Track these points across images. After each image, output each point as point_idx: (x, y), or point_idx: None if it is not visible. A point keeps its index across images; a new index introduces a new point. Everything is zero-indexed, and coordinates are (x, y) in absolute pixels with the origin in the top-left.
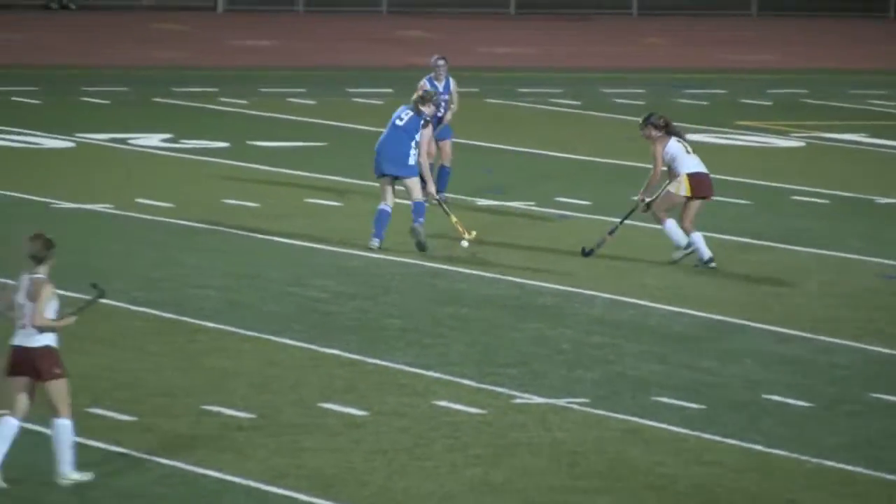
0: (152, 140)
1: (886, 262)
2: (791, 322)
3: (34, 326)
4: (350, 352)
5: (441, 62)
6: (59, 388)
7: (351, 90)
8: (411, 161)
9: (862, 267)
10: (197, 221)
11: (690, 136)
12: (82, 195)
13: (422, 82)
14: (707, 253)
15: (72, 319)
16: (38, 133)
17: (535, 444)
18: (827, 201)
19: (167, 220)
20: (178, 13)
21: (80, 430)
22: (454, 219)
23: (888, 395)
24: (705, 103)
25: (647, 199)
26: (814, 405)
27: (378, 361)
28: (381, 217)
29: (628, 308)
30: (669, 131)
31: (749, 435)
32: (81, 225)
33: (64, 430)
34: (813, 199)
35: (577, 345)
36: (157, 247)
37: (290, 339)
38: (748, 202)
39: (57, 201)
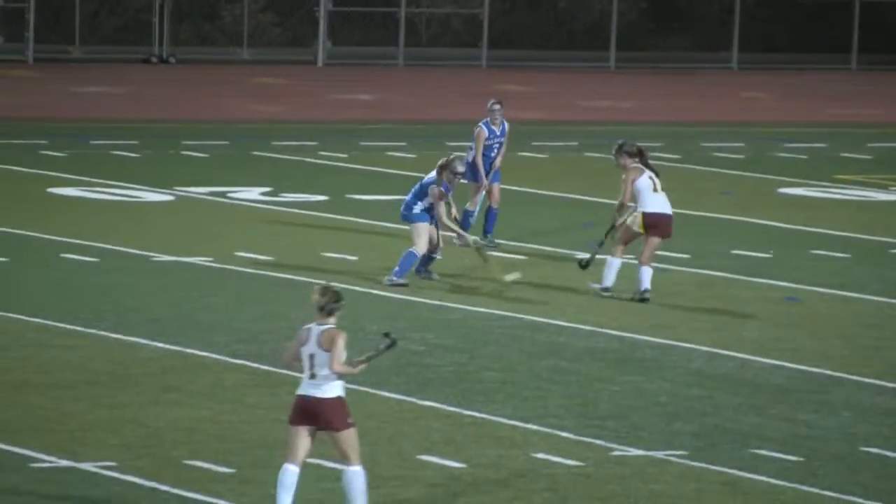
0: (252, 193)
1: None
2: (890, 374)
3: (334, 373)
4: (448, 404)
5: (497, 106)
6: (351, 437)
7: (450, 144)
8: (416, 209)
9: None
10: (296, 274)
11: (789, 190)
12: (182, 248)
13: (478, 127)
14: (645, 285)
15: (362, 367)
16: (138, 186)
17: (633, 497)
18: None
19: (267, 273)
20: (278, 67)
21: (179, 481)
22: (489, 264)
23: None
24: (805, 157)
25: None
26: None
27: (476, 414)
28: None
29: (726, 361)
30: (643, 161)
31: (848, 488)
32: (181, 278)
33: (358, 477)
34: None
35: (675, 397)
36: (256, 300)
37: (389, 391)
38: (847, 255)
39: (156, 254)
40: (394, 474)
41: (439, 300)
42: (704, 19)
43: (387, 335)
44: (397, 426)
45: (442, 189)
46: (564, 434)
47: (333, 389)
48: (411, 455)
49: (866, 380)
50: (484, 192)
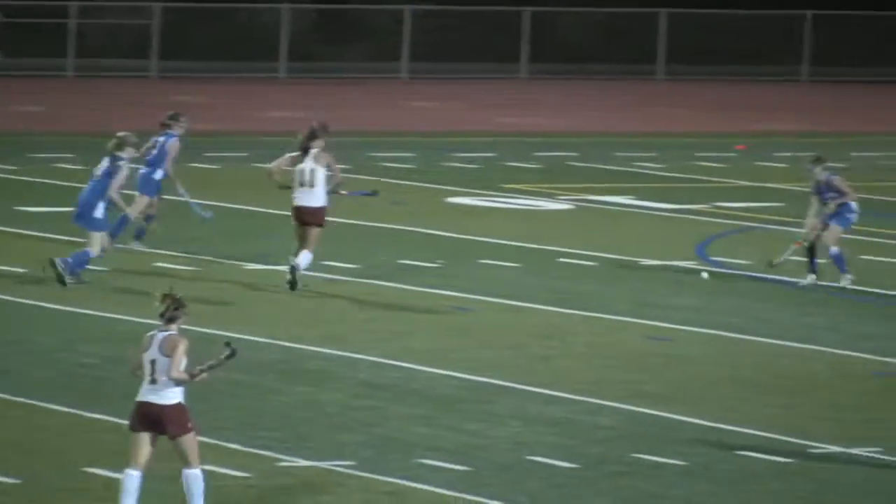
0: None
1: (651, 323)
2: (557, 384)
3: (172, 379)
4: (119, 416)
5: (185, 119)
6: (190, 442)
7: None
8: (97, 213)
9: (627, 328)
10: None
11: (458, 199)
12: None
13: (173, 139)
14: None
15: (204, 376)
16: None
17: None
18: (594, 263)
19: None
20: None
21: None
22: None
23: (651, 455)
24: (473, 166)
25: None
26: (579, 466)
27: None
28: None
29: (394, 371)
30: (304, 145)
31: (514, 497)
32: None
33: (196, 479)
34: (580, 262)
35: (343, 408)
36: None
37: (58, 404)
38: (516, 265)
39: None
40: (59, 486)
41: (111, 312)
42: (376, 30)
43: (228, 345)
44: (65, 439)
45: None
46: (232, 445)
47: (174, 395)
48: (78, 467)
49: (534, 389)
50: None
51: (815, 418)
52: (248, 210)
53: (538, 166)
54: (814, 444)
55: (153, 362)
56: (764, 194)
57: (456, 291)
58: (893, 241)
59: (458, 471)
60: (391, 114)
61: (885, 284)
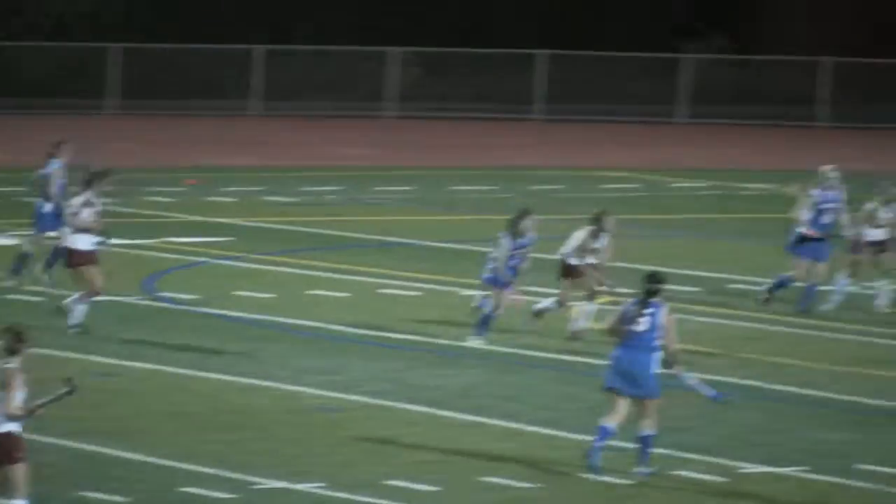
0: None
1: (95, 358)
2: None
3: (5, 415)
4: None
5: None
6: (18, 472)
7: None
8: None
9: (71, 364)
10: None
11: None
12: None
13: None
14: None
15: (40, 412)
16: None
17: None
18: (42, 299)
19: None
20: None
21: None
22: None
23: (95, 492)
24: None
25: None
26: None
27: None
28: None
29: None
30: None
31: None
32: None
33: None
34: (26, 298)
35: None
36: None
37: None
38: None
39: None
40: None
41: None
42: None
43: (69, 380)
44: None
45: None
46: None
47: (5, 426)
48: None
49: None
50: None
51: (259, 453)
52: None
53: None
54: (256, 479)
55: None
56: (213, 229)
57: None
58: (328, 274)
59: None
60: None
61: (330, 317)
